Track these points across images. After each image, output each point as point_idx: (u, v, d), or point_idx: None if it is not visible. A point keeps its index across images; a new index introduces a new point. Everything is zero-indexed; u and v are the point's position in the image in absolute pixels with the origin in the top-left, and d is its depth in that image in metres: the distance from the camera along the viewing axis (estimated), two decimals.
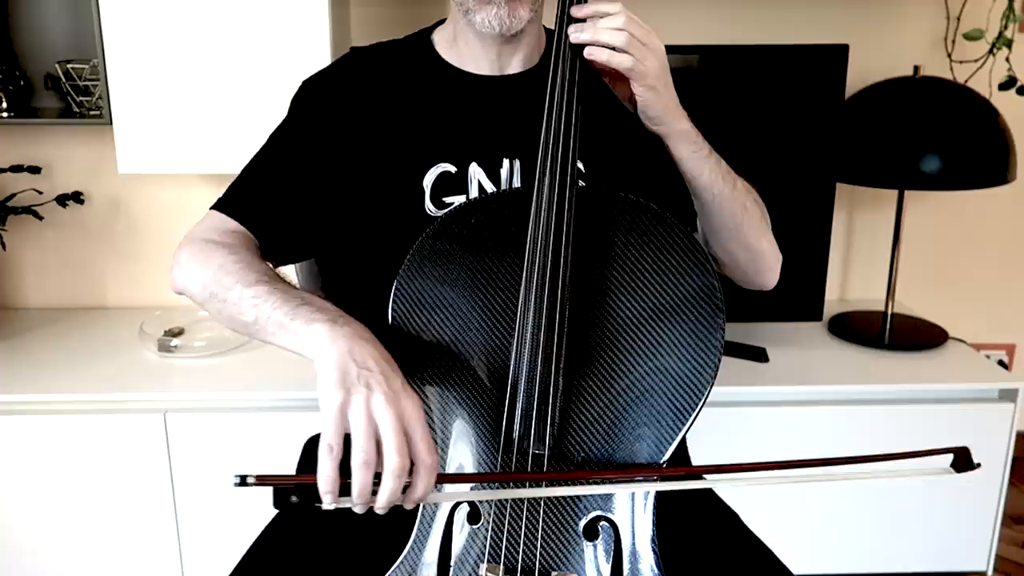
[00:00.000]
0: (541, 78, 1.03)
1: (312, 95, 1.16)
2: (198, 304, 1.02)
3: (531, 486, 0.90)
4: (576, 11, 0.98)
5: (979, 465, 0.89)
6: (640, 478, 0.91)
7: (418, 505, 0.92)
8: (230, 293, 0.95)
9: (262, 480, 0.79)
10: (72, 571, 1.80)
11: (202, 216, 1.11)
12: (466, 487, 0.91)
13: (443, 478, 0.83)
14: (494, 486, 0.91)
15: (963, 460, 0.89)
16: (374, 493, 0.78)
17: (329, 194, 1.11)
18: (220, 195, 1.12)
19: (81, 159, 2.09)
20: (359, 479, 0.77)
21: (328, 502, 0.78)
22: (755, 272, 1.15)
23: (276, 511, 1.13)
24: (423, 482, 0.80)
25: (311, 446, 1.24)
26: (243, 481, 0.79)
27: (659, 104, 0.99)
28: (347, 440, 0.79)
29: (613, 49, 0.96)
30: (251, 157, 1.15)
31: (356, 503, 0.79)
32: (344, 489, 0.78)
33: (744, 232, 1.10)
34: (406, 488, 0.80)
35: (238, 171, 1.15)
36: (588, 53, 0.97)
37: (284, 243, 1.11)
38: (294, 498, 0.81)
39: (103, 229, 2.15)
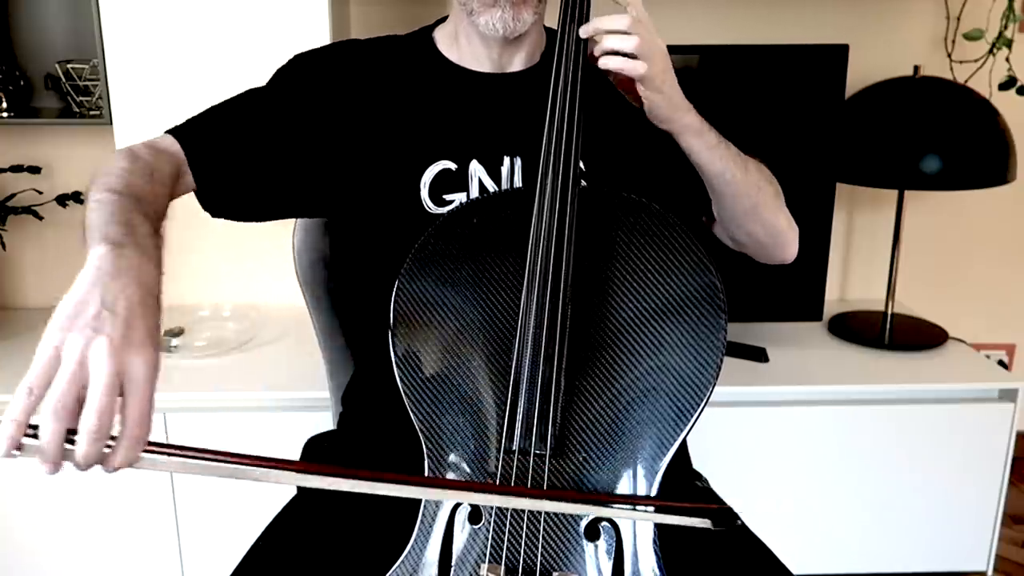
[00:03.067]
0: (542, 77, 1.03)
1: (304, 70, 1.15)
2: None
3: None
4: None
5: (740, 523, 0.87)
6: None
7: (419, 505, 0.92)
8: (93, 193, 0.87)
9: None
10: (72, 571, 1.80)
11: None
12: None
13: (152, 449, 0.71)
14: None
15: (724, 519, 0.87)
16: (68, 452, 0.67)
17: (293, 168, 1.10)
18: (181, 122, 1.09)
19: (81, 159, 2.09)
20: (47, 429, 0.65)
21: (4, 448, 0.66)
22: (775, 247, 1.16)
23: (278, 513, 1.13)
24: (121, 452, 0.68)
25: (311, 446, 1.23)
26: None
27: (666, 103, 1.00)
28: None
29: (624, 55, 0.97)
30: (222, 100, 1.12)
31: (43, 458, 0.67)
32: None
33: (761, 212, 1.11)
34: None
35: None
36: (603, 63, 0.97)
37: (221, 190, 1.06)
38: None
39: None
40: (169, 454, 0.73)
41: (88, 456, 0.67)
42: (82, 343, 0.67)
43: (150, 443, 0.70)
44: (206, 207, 1.09)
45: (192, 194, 1.07)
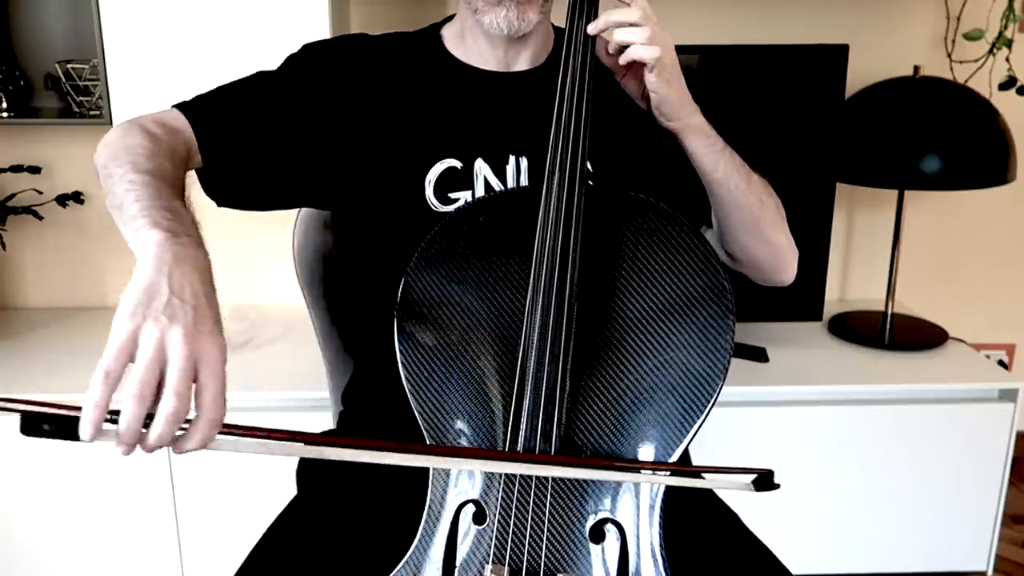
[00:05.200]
0: (548, 76, 1.03)
1: (314, 59, 1.14)
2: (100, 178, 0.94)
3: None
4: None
5: (778, 486, 0.85)
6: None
7: (424, 500, 0.92)
8: (117, 170, 0.88)
9: (5, 403, 0.69)
10: (72, 571, 1.80)
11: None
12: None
13: (228, 431, 0.75)
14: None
15: (764, 481, 0.85)
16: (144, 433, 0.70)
17: (295, 157, 1.10)
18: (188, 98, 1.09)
19: (81, 159, 2.09)
20: (128, 413, 0.68)
21: (88, 435, 0.68)
22: (773, 268, 1.15)
23: (280, 513, 1.13)
24: (199, 433, 0.71)
25: None
26: None
27: (673, 98, 1.00)
28: None
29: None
30: (232, 80, 1.12)
31: (121, 440, 0.69)
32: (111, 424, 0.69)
33: (761, 226, 1.10)
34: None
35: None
36: (620, 58, 0.97)
37: (225, 171, 1.05)
38: (47, 426, 0.70)
39: (103, 229, 2.14)
40: (238, 435, 0.77)
41: (163, 437, 0.69)
42: (158, 331, 0.70)
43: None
44: (210, 193, 1.07)
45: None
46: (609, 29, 0.98)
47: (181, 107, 1.07)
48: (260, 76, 1.13)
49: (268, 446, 0.79)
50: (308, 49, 1.16)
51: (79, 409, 0.69)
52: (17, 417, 0.70)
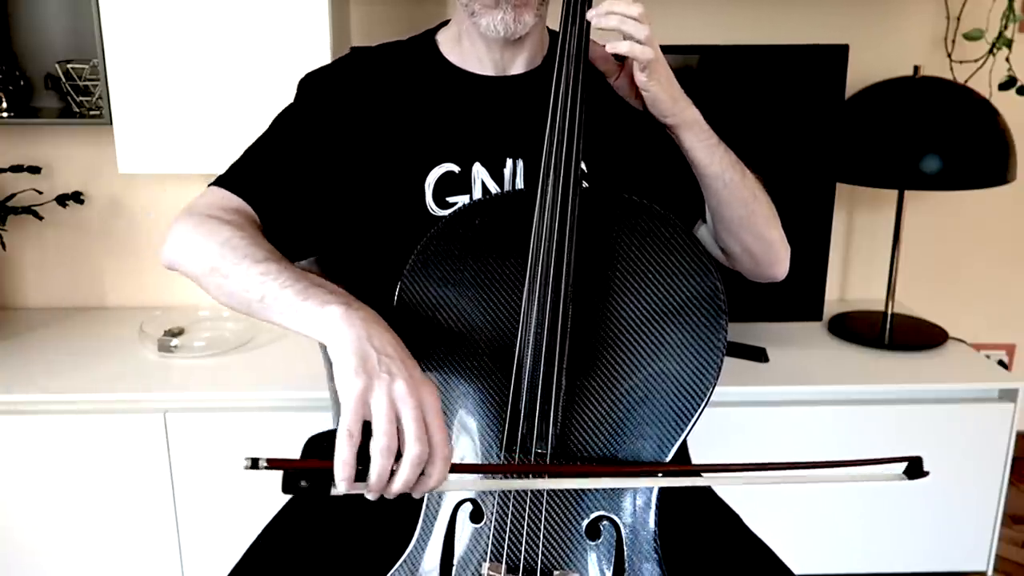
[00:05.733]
0: (544, 79, 1.03)
1: (315, 89, 1.15)
2: (191, 278, 0.97)
3: (534, 478, 0.90)
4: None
5: (928, 473, 0.90)
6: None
7: (422, 499, 0.93)
8: (235, 268, 0.91)
9: (273, 464, 0.77)
10: (72, 571, 1.80)
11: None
12: (472, 478, 0.92)
13: (456, 469, 0.82)
14: (498, 477, 0.91)
15: (915, 468, 0.90)
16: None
17: (331, 189, 1.10)
18: (221, 173, 1.09)
19: (81, 159, 2.09)
20: (379, 465, 0.75)
21: (344, 488, 0.76)
22: (766, 263, 1.16)
23: (278, 512, 1.13)
24: (438, 472, 0.78)
25: (311, 445, 1.23)
26: (254, 464, 0.76)
27: (665, 95, 1.00)
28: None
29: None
30: (254, 140, 1.12)
31: (372, 489, 0.77)
32: (357, 475, 0.76)
33: (755, 221, 1.10)
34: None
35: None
36: (612, 47, 0.97)
37: (288, 227, 1.06)
38: (304, 483, 0.78)
39: (103, 229, 2.15)
40: (471, 471, 0.89)
41: (409, 482, 0.77)
42: (384, 388, 0.77)
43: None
44: None
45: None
46: (607, 20, 0.97)
47: (223, 185, 1.06)
48: (279, 126, 1.13)
49: (492, 481, 0.89)
50: (309, 82, 1.16)
51: (327, 464, 0.76)
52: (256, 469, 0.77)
